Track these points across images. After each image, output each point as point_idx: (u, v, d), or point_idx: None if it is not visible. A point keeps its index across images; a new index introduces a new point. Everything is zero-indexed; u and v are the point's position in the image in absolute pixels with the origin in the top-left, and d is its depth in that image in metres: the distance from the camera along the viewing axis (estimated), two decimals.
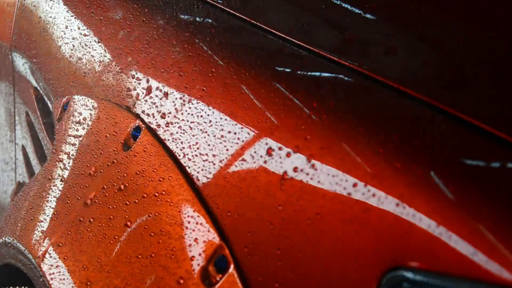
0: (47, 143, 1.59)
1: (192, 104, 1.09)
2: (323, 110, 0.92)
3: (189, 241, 1.01)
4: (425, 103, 0.86)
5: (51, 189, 1.26)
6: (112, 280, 1.05)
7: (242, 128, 0.99)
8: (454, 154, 0.80)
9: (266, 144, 0.95)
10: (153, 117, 1.16)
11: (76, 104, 1.36)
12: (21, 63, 1.73)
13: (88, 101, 1.33)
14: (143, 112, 1.19)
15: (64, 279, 1.12)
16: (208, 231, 1.00)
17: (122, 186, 1.13)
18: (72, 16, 1.50)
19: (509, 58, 0.96)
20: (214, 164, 1.02)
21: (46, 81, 1.54)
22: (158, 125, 1.14)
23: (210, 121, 1.05)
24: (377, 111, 0.90)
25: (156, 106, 1.16)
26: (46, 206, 1.24)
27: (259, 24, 1.12)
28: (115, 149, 1.19)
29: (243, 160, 0.97)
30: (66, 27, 1.50)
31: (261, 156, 0.95)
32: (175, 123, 1.11)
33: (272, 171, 0.93)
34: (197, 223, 1.01)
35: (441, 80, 0.92)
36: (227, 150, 1.00)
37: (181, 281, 0.99)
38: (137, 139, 1.16)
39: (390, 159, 0.82)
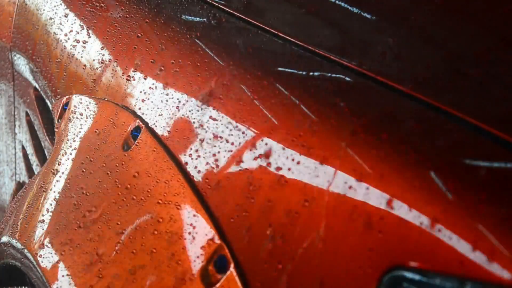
0: (47, 143, 1.59)
1: (192, 104, 1.09)
2: (323, 110, 0.92)
3: (189, 241, 1.01)
4: (425, 103, 0.85)
5: (51, 188, 1.26)
6: (112, 280, 1.05)
7: (242, 128, 0.99)
8: (454, 154, 0.80)
9: (266, 144, 0.95)
10: (153, 117, 1.16)
11: (76, 104, 1.36)
12: (21, 63, 1.73)
13: (88, 101, 1.33)
14: (143, 112, 1.19)
15: (64, 278, 1.12)
16: (208, 231, 1.00)
17: (122, 186, 1.13)
18: (72, 15, 1.50)
19: (509, 57, 0.96)
20: (214, 164, 1.02)
21: (46, 81, 1.54)
22: (158, 125, 1.14)
23: (210, 122, 1.05)
24: (377, 111, 0.90)
25: (156, 106, 1.16)
26: (46, 205, 1.24)
27: (259, 24, 1.12)
28: (115, 149, 1.19)
29: (244, 160, 0.97)
30: (66, 27, 1.50)
31: (261, 157, 0.95)
32: (175, 122, 1.11)
33: (273, 171, 0.93)
34: (197, 223, 1.01)
35: (441, 80, 0.92)
36: (227, 150, 1.00)
37: (181, 281, 0.99)
38: (137, 139, 1.16)
39: (390, 159, 0.82)
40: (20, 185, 1.82)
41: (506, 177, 0.76)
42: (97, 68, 1.34)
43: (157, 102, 1.16)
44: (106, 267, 1.07)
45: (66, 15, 1.52)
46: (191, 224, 1.02)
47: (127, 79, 1.25)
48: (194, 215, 1.02)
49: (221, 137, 1.02)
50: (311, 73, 0.99)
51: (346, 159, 0.85)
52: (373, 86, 0.92)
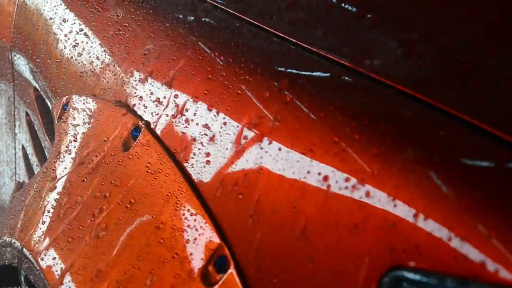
0: (47, 143, 1.59)
1: (192, 104, 1.09)
2: (323, 110, 0.92)
3: (189, 241, 1.01)
4: (425, 103, 0.85)
5: (51, 189, 1.26)
6: (112, 280, 1.05)
7: (241, 128, 0.99)
8: (454, 154, 0.80)
9: (266, 144, 0.95)
10: (153, 117, 1.16)
11: (76, 104, 1.36)
12: (21, 63, 1.73)
13: (88, 101, 1.33)
14: (143, 112, 1.19)
15: (64, 279, 1.12)
16: (208, 231, 1.00)
17: (122, 186, 1.13)
18: (73, 16, 1.50)
19: (509, 57, 0.96)
20: (214, 164, 1.02)
21: (46, 81, 1.54)
22: (158, 125, 1.14)
23: (210, 122, 1.05)
24: (377, 111, 0.90)
25: (156, 106, 1.16)
26: (46, 206, 1.24)
27: (259, 24, 1.12)
28: (115, 149, 1.19)
29: (243, 160, 0.97)
30: (66, 27, 1.50)
31: (261, 157, 0.95)
32: (175, 123, 1.11)
33: (272, 171, 0.93)
34: (197, 223, 1.01)
35: (442, 80, 0.92)
36: (227, 150, 1.00)
37: (181, 281, 0.99)
38: (137, 139, 1.16)
39: (390, 159, 0.82)
40: (20, 185, 1.83)
41: (506, 177, 0.76)
42: (97, 68, 1.35)
43: (157, 102, 1.16)
44: (107, 267, 1.07)
45: (66, 15, 1.52)
46: (191, 224, 1.02)
47: (127, 79, 1.25)
48: (194, 215, 1.02)
49: (221, 137, 1.02)
50: (310, 73, 0.99)
51: (345, 159, 0.85)
52: (373, 86, 0.92)
